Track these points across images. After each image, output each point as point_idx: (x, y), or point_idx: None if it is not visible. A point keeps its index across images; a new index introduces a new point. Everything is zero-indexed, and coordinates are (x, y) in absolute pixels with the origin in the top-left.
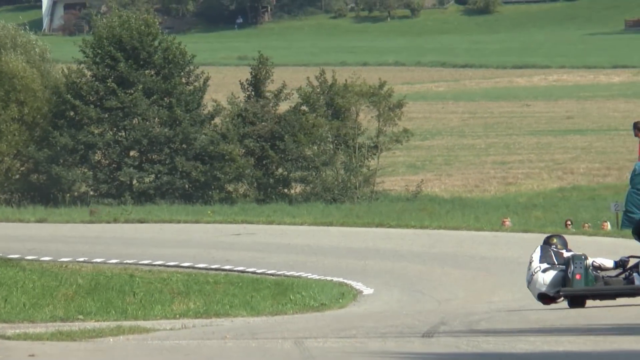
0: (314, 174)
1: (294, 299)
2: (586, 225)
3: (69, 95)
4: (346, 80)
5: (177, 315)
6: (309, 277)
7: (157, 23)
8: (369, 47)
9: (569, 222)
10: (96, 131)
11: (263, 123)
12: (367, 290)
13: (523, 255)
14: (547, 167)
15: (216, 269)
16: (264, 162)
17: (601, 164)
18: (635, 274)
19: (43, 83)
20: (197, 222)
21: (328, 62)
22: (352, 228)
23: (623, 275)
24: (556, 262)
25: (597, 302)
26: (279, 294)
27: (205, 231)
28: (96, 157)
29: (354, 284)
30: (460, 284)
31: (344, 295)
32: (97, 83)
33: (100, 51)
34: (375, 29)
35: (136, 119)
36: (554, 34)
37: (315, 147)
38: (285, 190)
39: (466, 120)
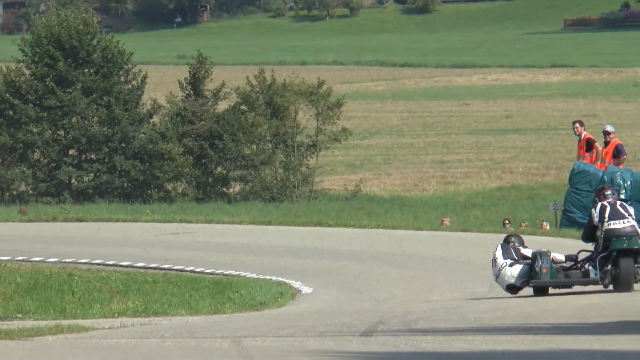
0: (252, 172)
1: (232, 298)
2: (523, 224)
3: (7, 94)
4: (284, 80)
5: (116, 314)
6: (247, 276)
7: (96, 22)
8: (308, 46)
9: (506, 222)
10: (35, 130)
11: (202, 122)
12: (306, 290)
13: (462, 254)
14: (486, 167)
15: (155, 268)
16: (203, 161)
17: (540, 163)
18: (590, 267)
19: None
20: (135, 221)
21: (267, 61)
22: (291, 227)
23: (576, 267)
24: (517, 258)
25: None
26: (218, 292)
27: (144, 230)
28: (35, 156)
29: (292, 283)
30: (398, 283)
31: (282, 294)
32: (36, 82)
33: (39, 50)
34: (314, 28)
35: (75, 117)
36: (493, 33)
37: (254, 146)
38: (224, 189)
39: (405, 120)
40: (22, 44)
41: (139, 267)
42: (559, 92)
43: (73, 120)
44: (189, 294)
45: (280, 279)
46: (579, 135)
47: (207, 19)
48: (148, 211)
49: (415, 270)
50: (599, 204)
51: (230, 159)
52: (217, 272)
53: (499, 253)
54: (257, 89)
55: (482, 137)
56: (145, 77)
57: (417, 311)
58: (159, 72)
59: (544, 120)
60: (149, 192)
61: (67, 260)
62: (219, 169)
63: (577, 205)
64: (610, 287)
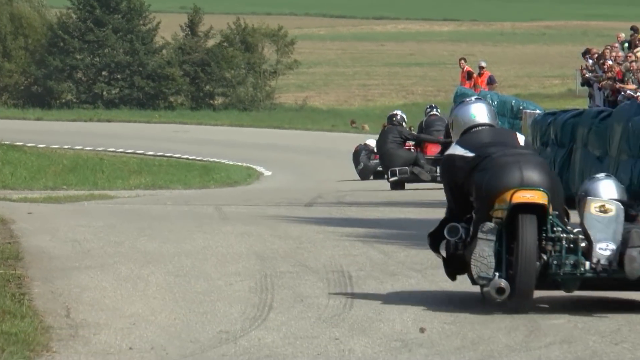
0: (231, 90)
1: (215, 178)
2: (365, 126)
3: (60, 31)
4: (254, 25)
5: (133, 187)
6: (226, 162)
7: None
8: (271, 1)
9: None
10: (79, 57)
11: (196, 54)
12: (267, 173)
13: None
14: (395, 89)
15: (160, 156)
16: (196, 81)
17: (433, 87)
18: None
19: (42, 22)
20: (147, 122)
21: (242, 12)
22: (257, 129)
23: None
24: None
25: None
26: (205, 174)
27: (154, 129)
28: (78, 75)
29: (258, 168)
30: (333, 171)
31: (250, 175)
32: (80, 23)
33: (82, 0)
34: None
35: (107, 49)
36: None
37: (233, 71)
38: (211, 101)
39: (339, 55)
40: None
41: (149, 155)
42: (448, 38)
43: (105, 51)
44: (184, 174)
45: (249, 165)
46: (462, 68)
47: None
48: (157, 115)
49: (344, 162)
50: None
51: (215, 79)
52: (204, 159)
53: None
54: (235, 31)
55: (393, 69)
56: (159, 22)
57: (345, 189)
58: (167, 18)
59: (437, 57)
60: (157, 102)
61: (99, 148)
62: (207, 87)
63: None
64: None
